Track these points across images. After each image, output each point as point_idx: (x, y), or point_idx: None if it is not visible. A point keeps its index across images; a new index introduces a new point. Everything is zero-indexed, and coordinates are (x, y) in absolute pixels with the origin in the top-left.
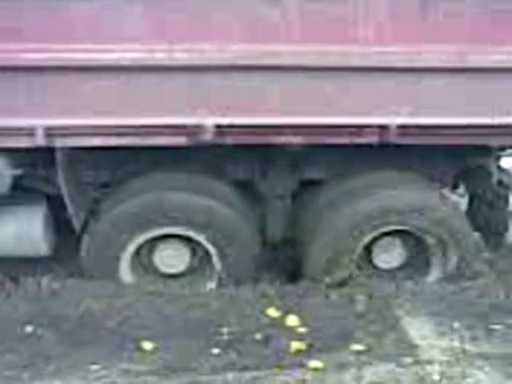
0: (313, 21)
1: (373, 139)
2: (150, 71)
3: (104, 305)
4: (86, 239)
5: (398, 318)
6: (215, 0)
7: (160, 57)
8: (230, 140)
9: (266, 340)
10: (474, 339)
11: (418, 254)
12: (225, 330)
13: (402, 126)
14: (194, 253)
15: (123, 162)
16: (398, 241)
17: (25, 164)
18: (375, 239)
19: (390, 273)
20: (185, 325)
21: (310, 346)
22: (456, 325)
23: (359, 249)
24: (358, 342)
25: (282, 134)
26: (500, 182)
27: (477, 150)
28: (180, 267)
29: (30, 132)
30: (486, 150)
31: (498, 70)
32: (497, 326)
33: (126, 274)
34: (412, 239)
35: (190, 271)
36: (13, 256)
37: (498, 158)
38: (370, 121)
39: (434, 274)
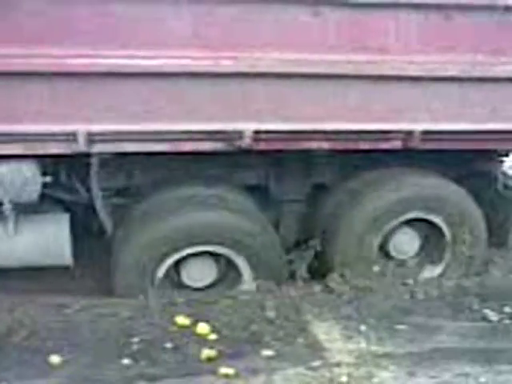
0: (344, 31)
1: (397, 144)
2: (191, 77)
3: (9, 319)
4: (115, 261)
5: (307, 322)
6: (253, 10)
7: (202, 64)
8: (263, 146)
9: (176, 348)
10: (379, 340)
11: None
12: (135, 339)
13: (425, 132)
14: (219, 265)
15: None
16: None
17: (49, 172)
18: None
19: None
20: (94, 335)
21: (220, 353)
22: (362, 327)
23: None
24: (268, 347)
25: (314, 139)
26: (506, 186)
27: (484, 155)
28: (207, 280)
29: (71, 138)
30: (491, 155)
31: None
32: (400, 326)
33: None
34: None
35: (216, 283)
36: (35, 266)
37: (501, 163)
38: (395, 127)
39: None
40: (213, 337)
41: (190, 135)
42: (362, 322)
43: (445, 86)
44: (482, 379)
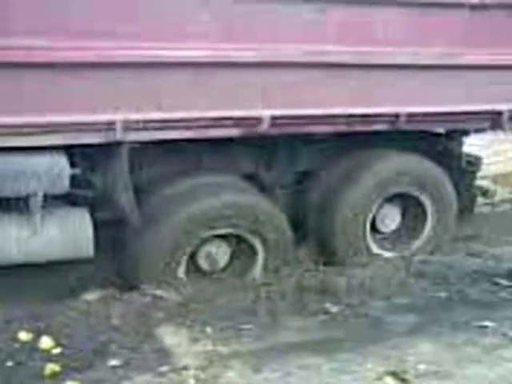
0: (350, 24)
1: (384, 126)
2: (217, 67)
3: None
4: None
5: (153, 328)
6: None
7: (226, 54)
8: (276, 130)
9: (19, 365)
10: (225, 340)
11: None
12: None
13: (409, 115)
14: (233, 248)
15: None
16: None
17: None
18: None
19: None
20: None
21: (65, 367)
22: (208, 329)
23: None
24: (114, 356)
25: (321, 123)
26: (468, 162)
27: (450, 136)
28: (222, 263)
29: (108, 127)
30: (456, 135)
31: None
32: (246, 326)
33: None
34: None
35: (231, 265)
36: (58, 260)
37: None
38: (384, 110)
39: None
40: (57, 350)
41: (218, 122)
42: (208, 325)
43: (424, 73)
44: (324, 368)
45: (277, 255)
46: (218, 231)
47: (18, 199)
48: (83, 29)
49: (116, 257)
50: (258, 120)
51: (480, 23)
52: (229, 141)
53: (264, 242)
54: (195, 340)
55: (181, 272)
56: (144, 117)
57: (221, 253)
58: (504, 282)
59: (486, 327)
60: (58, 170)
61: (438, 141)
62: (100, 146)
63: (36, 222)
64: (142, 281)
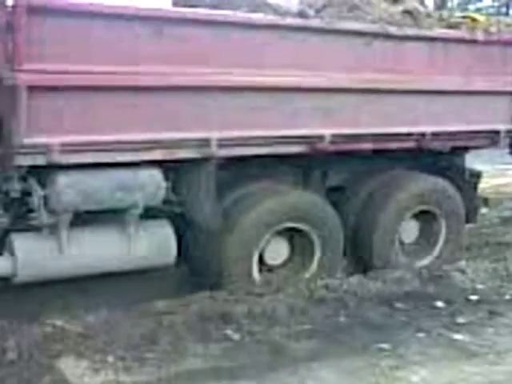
0: (388, 57)
1: (412, 144)
2: (288, 92)
3: None
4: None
5: (53, 359)
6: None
7: (295, 80)
8: (333, 147)
9: None
10: (127, 369)
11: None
12: None
13: (434, 134)
14: (292, 245)
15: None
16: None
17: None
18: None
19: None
20: None
21: None
22: (110, 358)
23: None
24: None
25: (365, 141)
26: (471, 175)
27: (456, 152)
28: (281, 259)
29: (203, 143)
30: (461, 152)
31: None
32: (148, 354)
33: (255, 271)
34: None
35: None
36: (146, 268)
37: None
38: (413, 130)
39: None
40: None
41: (286, 140)
42: (110, 353)
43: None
44: None
45: (332, 252)
46: (285, 224)
47: (115, 211)
48: (193, 58)
49: (193, 259)
50: (321, 138)
51: (482, 57)
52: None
53: (321, 238)
54: (96, 370)
55: (255, 268)
56: (234, 135)
57: (282, 249)
58: (401, 305)
59: (383, 350)
60: (155, 184)
61: (444, 157)
62: (190, 161)
63: (131, 232)
64: (225, 277)
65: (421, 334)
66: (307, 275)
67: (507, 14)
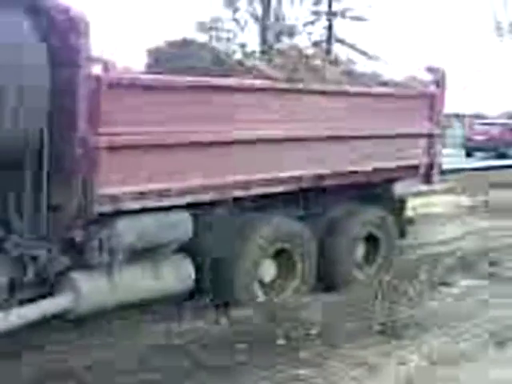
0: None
1: (363, 178)
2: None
3: None
4: None
5: None
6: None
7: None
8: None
9: None
10: None
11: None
12: None
13: (375, 169)
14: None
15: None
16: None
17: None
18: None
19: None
20: None
21: None
22: None
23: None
24: None
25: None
26: (400, 199)
27: (389, 182)
28: (271, 276)
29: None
30: (390, 181)
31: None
32: None
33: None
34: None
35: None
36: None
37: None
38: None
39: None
40: None
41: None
42: None
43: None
44: None
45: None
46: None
47: (148, 249)
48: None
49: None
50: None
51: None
52: None
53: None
54: None
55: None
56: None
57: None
58: (243, 346)
59: None
60: (186, 223)
61: (383, 187)
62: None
63: (162, 265)
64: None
65: (264, 373)
66: None
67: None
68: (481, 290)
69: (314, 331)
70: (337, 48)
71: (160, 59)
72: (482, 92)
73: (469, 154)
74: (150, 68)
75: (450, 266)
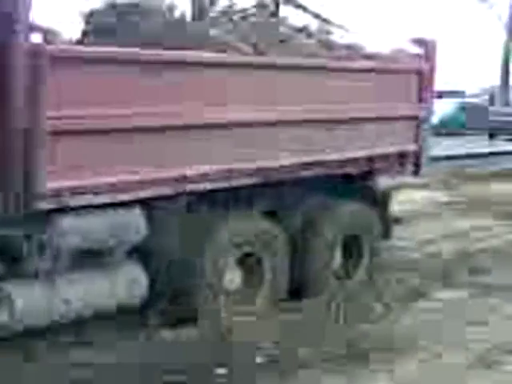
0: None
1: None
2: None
3: None
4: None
5: None
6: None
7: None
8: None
9: None
10: None
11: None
12: None
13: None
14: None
15: None
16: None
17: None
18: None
19: None
20: None
21: None
22: None
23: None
24: None
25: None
26: (383, 194)
27: (371, 174)
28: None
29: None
30: (371, 174)
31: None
32: None
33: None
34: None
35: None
36: (123, 306)
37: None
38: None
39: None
40: None
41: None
42: None
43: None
44: None
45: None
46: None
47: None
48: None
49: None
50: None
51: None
52: None
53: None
54: None
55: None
56: (203, 170)
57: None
58: (180, 377)
59: None
60: (137, 222)
61: (358, 182)
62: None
63: (112, 271)
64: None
65: None
66: None
67: None
68: (460, 303)
69: (262, 359)
70: (283, 10)
71: (99, 26)
72: (458, 67)
73: (491, 135)
74: (88, 37)
75: (426, 273)
